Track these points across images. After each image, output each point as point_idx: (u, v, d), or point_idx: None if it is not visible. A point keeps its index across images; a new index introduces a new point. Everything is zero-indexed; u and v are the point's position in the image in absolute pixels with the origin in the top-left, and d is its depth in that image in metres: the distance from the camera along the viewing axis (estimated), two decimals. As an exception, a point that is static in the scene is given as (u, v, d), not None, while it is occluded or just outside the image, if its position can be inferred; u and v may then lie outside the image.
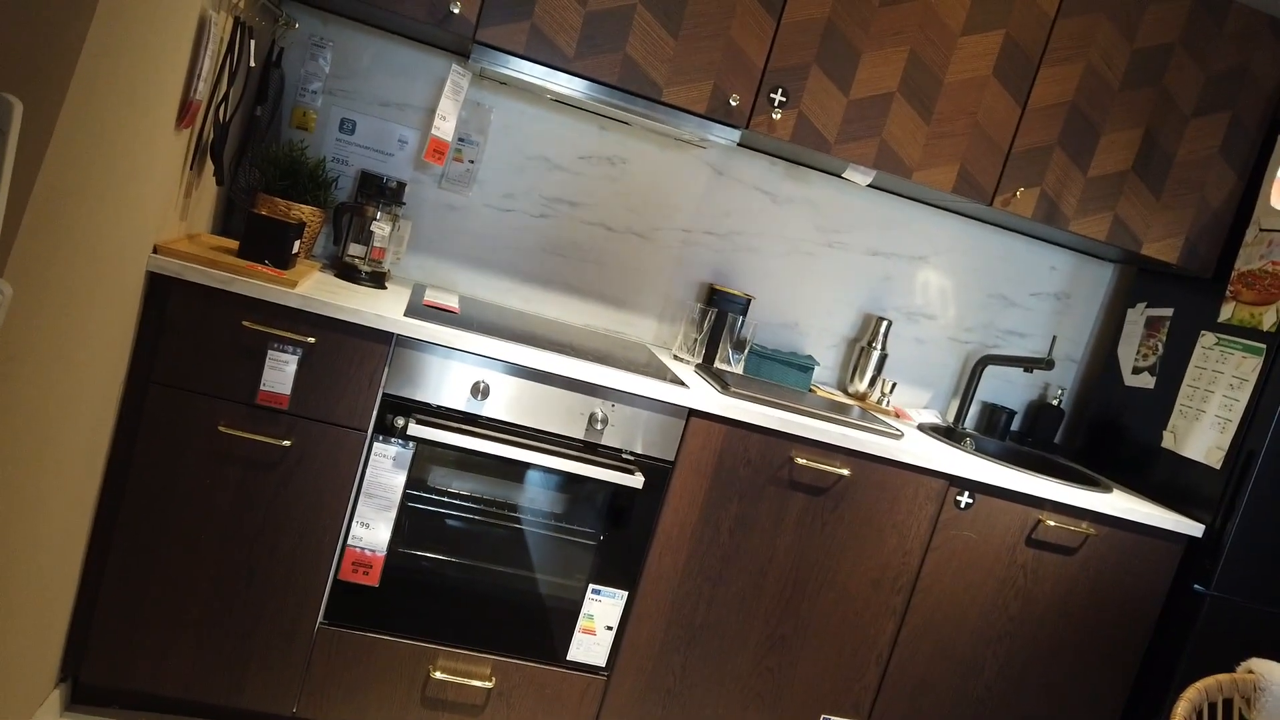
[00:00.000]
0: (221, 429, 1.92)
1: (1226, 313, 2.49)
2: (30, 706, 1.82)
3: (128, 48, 1.45)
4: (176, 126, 1.79)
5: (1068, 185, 2.47)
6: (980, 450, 2.78)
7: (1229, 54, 2.49)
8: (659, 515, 2.16)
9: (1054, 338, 2.87)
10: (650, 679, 2.24)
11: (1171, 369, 2.64)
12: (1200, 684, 1.43)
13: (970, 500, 2.29)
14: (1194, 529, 2.39)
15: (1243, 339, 2.43)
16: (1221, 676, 1.47)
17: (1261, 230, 2.46)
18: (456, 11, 2.08)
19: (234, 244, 2.18)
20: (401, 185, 2.35)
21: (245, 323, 1.90)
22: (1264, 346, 2.37)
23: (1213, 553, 2.38)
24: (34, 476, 1.54)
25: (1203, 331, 2.56)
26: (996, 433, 2.89)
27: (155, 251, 1.85)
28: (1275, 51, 2.50)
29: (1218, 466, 2.42)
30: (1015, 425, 3.04)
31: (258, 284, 1.88)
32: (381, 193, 2.34)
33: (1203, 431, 2.47)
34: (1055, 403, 2.94)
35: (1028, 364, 2.64)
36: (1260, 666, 1.44)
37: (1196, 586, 2.40)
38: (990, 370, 3.00)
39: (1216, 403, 2.45)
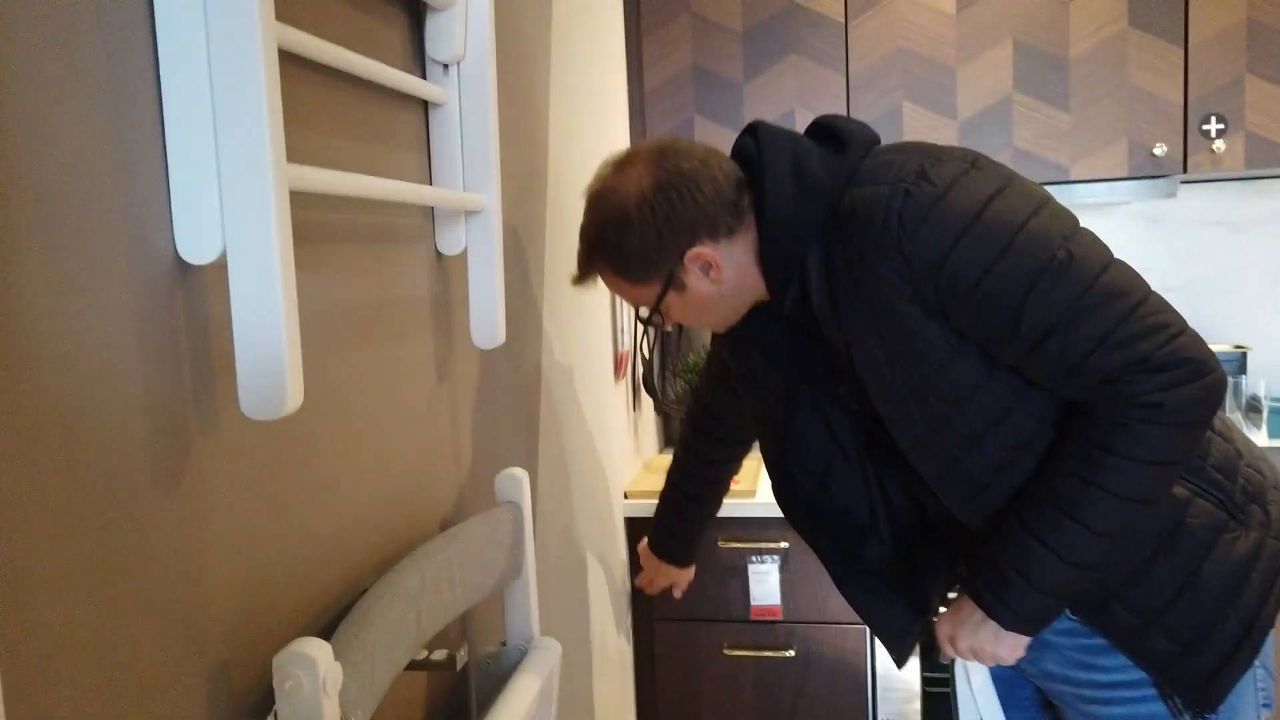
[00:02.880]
0: (726, 652, 1.93)
1: None
2: None
3: (574, 352, 1.57)
4: (615, 381, 1.91)
5: None
6: None
7: None
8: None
9: None
10: None
11: None
12: None
13: None
14: None
15: None
16: None
17: None
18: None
19: (682, 459, 2.26)
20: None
21: (720, 543, 1.92)
22: None
23: None
24: (588, 715, 1.63)
25: None
26: None
27: (626, 497, 1.95)
28: None
29: None
30: None
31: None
32: (799, 366, 2.32)
33: None
34: None
35: None
36: None
37: None
38: None
39: None
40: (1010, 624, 1.04)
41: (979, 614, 1.05)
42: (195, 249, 0.61)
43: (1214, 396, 0.94)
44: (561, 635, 1.47)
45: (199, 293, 0.63)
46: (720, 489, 1.58)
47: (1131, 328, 0.92)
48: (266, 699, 0.67)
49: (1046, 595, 1.01)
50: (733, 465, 1.55)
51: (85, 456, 0.53)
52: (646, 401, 2.25)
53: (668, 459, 2.29)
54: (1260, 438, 2.15)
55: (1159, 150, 1.92)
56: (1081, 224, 1.00)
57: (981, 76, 1.98)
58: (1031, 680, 1.19)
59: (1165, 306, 0.95)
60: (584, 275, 1.17)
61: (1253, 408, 2.16)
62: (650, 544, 1.64)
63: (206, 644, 0.63)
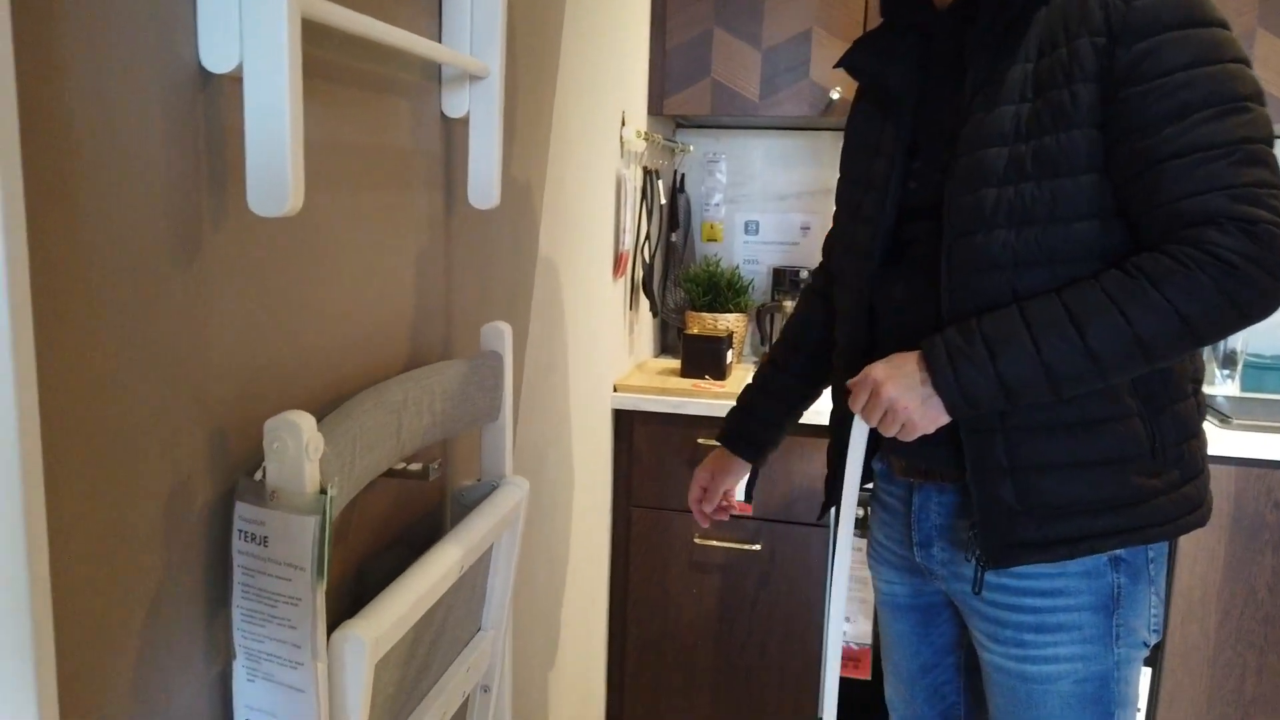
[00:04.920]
0: (697, 540, 2.05)
1: None
2: (586, 808, 2.06)
3: (573, 239, 1.65)
4: (613, 278, 1.99)
5: None
6: None
7: None
8: (1171, 577, 1.89)
9: None
10: (1199, 766, 1.93)
11: None
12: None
13: None
14: None
15: None
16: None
17: None
18: (836, 98, 2.09)
19: (674, 363, 2.36)
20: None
21: (700, 440, 2.03)
22: None
23: None
24: (561, 585, 1.75)
25: None
26: None
27: (615, 390, 2.06)
28: None
29: None
30: None
31: (704, 402, 2.01)
32: (794, 285, 2.39)
33: None
34: None
35: None
36: None
37: None
38: None
39: None
40: (945, 389, 1.01)
41: (923, 373, 1.03)
42: (215, 58, 0.69)
43: (1271, 303, 0.94)
44: (540, 503, 1.59)
45: (216, 100, 0.72)
46: (822, 374, 1.39)
47: (1263, 197, 0.93)
48: (258, 460, 0.77)
49: (997, 380, 0.99)
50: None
51: (115, 224, 0.63)
52: (644, 305, 2.33)
53: (662, 362, 2.39)
54: (1233, 388, 2.23)
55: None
56: None
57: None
58: (942, 585, 1.19)
59: None
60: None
61: (1229, 360, 2.23)
62: (721, 432, 1.44)
63: (208, 408, 0.73)
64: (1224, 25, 0.98)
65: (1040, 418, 1.04)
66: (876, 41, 1.18)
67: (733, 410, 1.45)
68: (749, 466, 1.43)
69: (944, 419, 1.04)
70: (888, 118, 1.16)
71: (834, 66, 1.23)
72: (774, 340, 1.45)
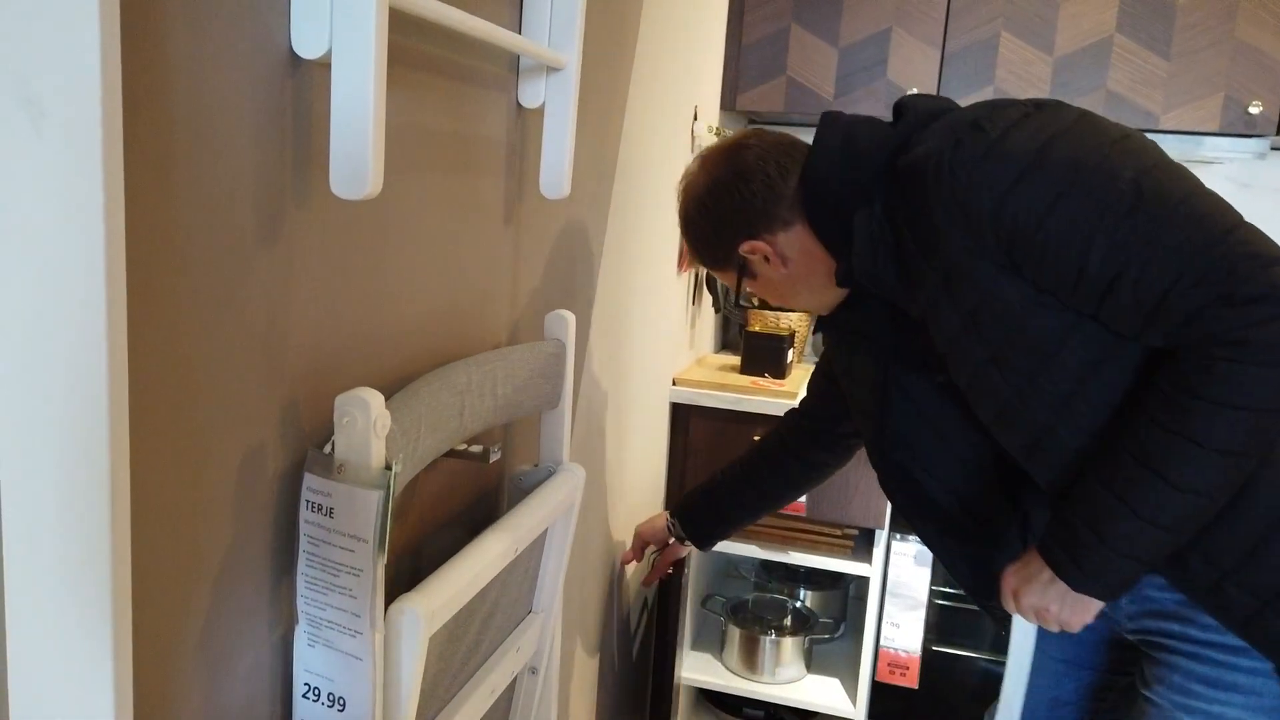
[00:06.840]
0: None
1: None
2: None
3: (640, 231, 1.66)
4: (678, 273, 2.00)
5: None
6: None
7: None
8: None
9: None
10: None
11: None
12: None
13: None
14: None
15: None
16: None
17: None
18: (913, 98, 2.06)
19: (734, 359, 2.36)
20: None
21: (756, 438, 2.02)
22: None
23: None
24: (612, 573, 1.77)
25: None
26: None
27: (674, 383, 2.06)
28: None
29: None
30: None
31: (762, 399, 2.00)
32: (861, 286, 2.38)
33: None
34: None
35: None
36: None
37: None
38: None
39: None
40: (1079, 585, 0.96)
41: (1048, 572, 0.98)
42: (306, 44, 0.72)
43: None
44: (595, 491, 1.60)
45: (304, 85, 0.74)
46: (787, 493, 1.50)
47: (1213, 261, 0.85)
48: (328, 434, 0.80)
49: (1121, 556, 0.92)
50: (817, 472, 1.50)
51: (206, 200, 0.66)
52: (707, 300, 2.34)
53: (722, 358, 2.39)
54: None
55: (1254, 108, 1.89)
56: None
57: (1084, 14, 1.97)
58: (1126, 635, 1.12)
59: (1258, 237, 0.86)
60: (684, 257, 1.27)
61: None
62: (679, 510, 1.58)
63: (284, 381, 0.76)
64: (1056, 133, 0.91)
65: (1245, 543, 0.96)
66: (840, 312, 1.19)
67: (699, 494, 1.57)
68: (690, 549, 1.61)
69: (1096, 605, 0.99)
70: (864, 346, 1.18)
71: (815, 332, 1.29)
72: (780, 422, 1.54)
